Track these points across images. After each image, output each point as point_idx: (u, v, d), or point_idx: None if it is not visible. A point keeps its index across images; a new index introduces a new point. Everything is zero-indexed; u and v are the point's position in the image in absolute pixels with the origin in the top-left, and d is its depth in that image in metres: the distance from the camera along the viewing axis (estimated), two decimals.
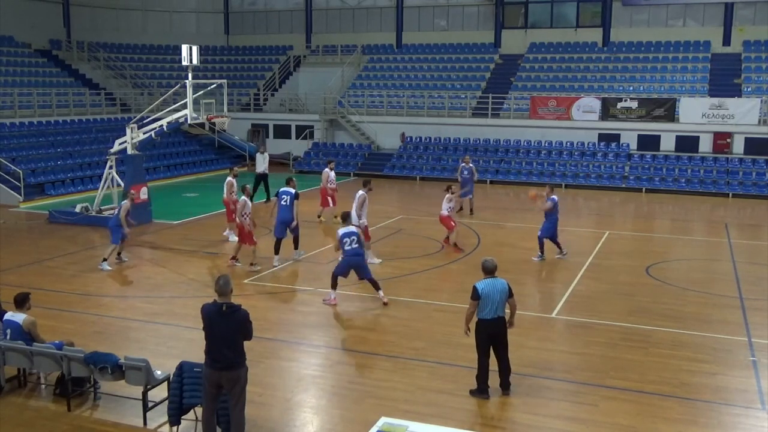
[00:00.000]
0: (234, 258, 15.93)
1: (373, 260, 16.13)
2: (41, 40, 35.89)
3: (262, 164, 24.05)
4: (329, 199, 20.63)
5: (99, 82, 36.22)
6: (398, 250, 17.31)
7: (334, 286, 13.13)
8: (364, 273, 13.04)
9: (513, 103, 32.79)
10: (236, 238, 18.04)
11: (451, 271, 15.84)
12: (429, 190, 27.90)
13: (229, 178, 18.58)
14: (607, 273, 15.65)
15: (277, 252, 15.92)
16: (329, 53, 39.49)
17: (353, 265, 12.95)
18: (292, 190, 16.18)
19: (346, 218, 13.32)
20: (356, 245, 12.89)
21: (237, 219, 15.65)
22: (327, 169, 21.00)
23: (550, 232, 16.47)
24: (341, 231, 13.03)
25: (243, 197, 15.58)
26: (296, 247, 16.50)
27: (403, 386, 9.62)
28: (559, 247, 16.76)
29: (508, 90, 33.91)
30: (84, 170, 27.19)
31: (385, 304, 13.00)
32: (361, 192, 16.14)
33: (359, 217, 15.73)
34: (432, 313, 12.75)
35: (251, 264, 15.56)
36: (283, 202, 16.06)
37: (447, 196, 17.33)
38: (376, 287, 13.08)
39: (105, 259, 15.78)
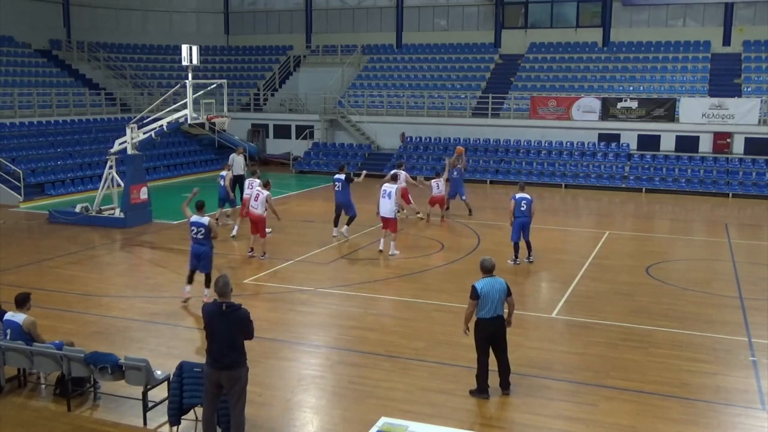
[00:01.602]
0: (251, 249, 16.69)
1: (393, 252, 16.83)
2: (41, 40, 35.88)
3: (239, 166, 23.57)
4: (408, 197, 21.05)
5: (99, 82, 36.21)
6: (398, 250, 17.27)
7: (189, 280, 13.10)
8: (204, 266, 12.90)
9: (513, 103, 32.78)
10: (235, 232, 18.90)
11: (451, 271, 15.84)
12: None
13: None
14: (607, 273, 15.65)
15: (335, 225, 18.81)
16: (329, 53, 39.48)
17: (195, 254, 12.87)
18: (343, 176, 18.36)
19: (200, 207, 13.12)
20: (201, 237, 12.72)
21: (265, 212, 16.33)
22: (401, 171, 20.76)
23: (517, 235, 15.96)
24: (191, 219, 12.88)
25: (266, 192, 16.48)
26: (348, 224, 18.50)
27: (403, 386, 9.62)
28: (529, 252, 16.22)
29: (508, 90, 33.91)
30: (84, 170, 27.20)
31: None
32: (396, 185, 17.19)
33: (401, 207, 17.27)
34: (432, 313, 12.75)
35: (251, 250, 16.63)
36: (336, 188, 18.42)
37: (435, 180, 20.75)
38: (207, 284, 12.92)
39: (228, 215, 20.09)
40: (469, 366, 9.58)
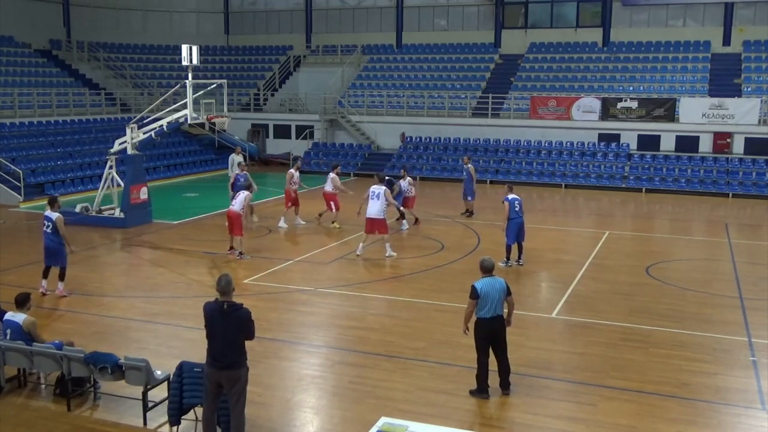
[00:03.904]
0: (231, 248, 16.80)
1: (391, 253, 16.77)
2: (41, 40, 35.88)
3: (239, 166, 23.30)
4: (290, 201, 20.15)
5: (99, 82, 36.21)
6: (398, 250, 17.28)
7: (44, 274, 13.50)
8: (57, 261, 13.33)
9: (513, 103, 32.79)
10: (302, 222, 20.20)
11: (451, 271, 15.83)
12: (429, 190, 27.89)
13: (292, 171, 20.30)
14: (607, 273, 15.65)
15: (402, 217, 20.39)
16: (329, 53, 39.48)
17: (46, 249, 13.32)
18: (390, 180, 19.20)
19: (52, 203, 13.41)
20: (50, 231, 13.18)
21: (244, 211, 16.49)
22: (292, 170, 20.42)
23: (514, 237, 15.78)
24: (45, 213, 13.40)
25: (246, 192, 16.66)
26: (402, 217, 20.26)
27: (403, 386, 9.62)
28: (519, 253, 16.03)
29: (508, 90, 33.91)
30: (84, 170, 27.19)
31: (64, 296, 13.36)
32: (384, 186, 17.05)
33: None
34: (432, 313, 12.75)
35: (231, 249, 16.71)
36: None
37: (331, 175, 19.95)
38: (61, 278, 13.38)
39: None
40: (469, 366, 9.58)
